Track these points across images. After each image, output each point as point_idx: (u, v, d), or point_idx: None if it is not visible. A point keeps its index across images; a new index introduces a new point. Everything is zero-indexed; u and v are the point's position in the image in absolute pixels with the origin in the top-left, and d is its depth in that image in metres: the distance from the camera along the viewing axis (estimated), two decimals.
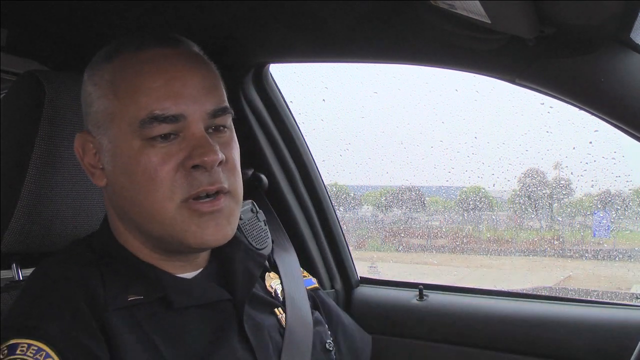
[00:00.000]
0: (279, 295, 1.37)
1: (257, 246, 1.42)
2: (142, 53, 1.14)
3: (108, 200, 1.21)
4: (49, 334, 1.02)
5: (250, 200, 1.54)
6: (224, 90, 1.20)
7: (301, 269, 1.52)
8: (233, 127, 1.22)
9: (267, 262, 1.41)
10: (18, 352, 1.00)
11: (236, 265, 1.26)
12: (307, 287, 1.47)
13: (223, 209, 1.13)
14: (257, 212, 1.51)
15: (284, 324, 1.31)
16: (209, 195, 1.12)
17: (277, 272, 1.42)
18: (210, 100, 1.14)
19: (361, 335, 1.56)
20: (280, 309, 1.33)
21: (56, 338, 1.02)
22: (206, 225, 1.12)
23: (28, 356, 0.99)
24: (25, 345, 1.00)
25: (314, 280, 1.54)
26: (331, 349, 1.39)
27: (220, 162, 1.12)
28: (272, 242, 1.50)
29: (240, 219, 1.43)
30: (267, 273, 1.39)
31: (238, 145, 1.21)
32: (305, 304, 1.39)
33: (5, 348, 1.01)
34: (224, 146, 1.15)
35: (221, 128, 1.16)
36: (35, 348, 1.00)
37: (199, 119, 1.12)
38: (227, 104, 1.18)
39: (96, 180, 1.18)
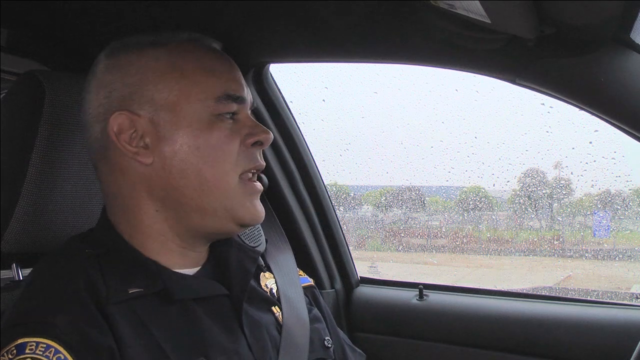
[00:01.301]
0: (274, 294, 1.37)
1: (250, 244, 1.43)
2: (195, 42, 1.26)
3: (140, 182, 1.19)
4: (57, 330, 1.02)
5: None
6: None
7: (297, 268, 1.53)
8: None
9: (261, 260, 1.42)
10: (27, 350, 1.00)
11: (231, 262, 1.27)
12: (303, 285, 1.47)
13: (260, 190, 1.27)
14: None
15: (281, 321, 1.32)
16: (255, 175, 1.25)
17: (272, 272, 1.43)
18: (247, 90, 1.27)
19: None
20: (277, 307, 1.34)
21: (64, 333, 1.02)
22: (256, 202, 1.24)
23: (38, 354, 1.00)
24: (34, 343, 1.00)
25: (310, 279, 1.54)
26: (330, 345, 1.39)
27: None
28: (266, 241, 1.51)
29: None
30: (262, 273, 1.39)
31: None
32: (301, 302, 1.40)
33: (13, 348, 1.01)
34: None
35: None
36: (44, 345, 1.00)
37: (248, 106, 1.26)
38: None
39: (141, 157, 1.18)
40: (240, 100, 1.23)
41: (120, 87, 1.20)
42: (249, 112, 1.26)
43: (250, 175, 1.23)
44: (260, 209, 1.24)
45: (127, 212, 1.21)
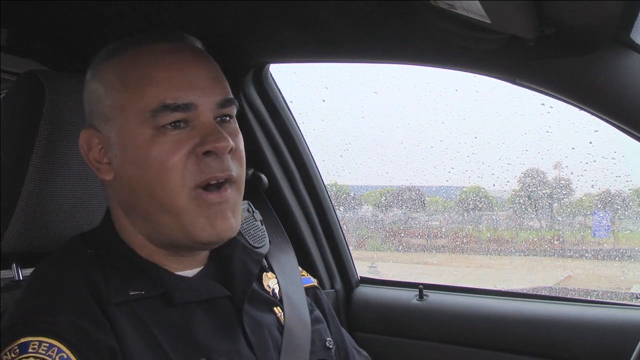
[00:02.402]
0: (277, 294, 1.37)
1: (255, 244, 1.42)
2: (151, 47, 1.17)
3: (113, 195, 1.21)
4: (59, 329, 1.02)
5: (246, 201, 1.54)
6: (227, 83, 1.23)
7: (300, 268, 1.53)
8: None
9: (264, 261, 1.42)
10: (30, 350, 1.00)
11: (234, 264, 1.27)
12: (305, 285, 1.47)
13: (228, 200, 1.15)
14: (253, 211, 1.52)
15: (283, 322, 1.32)
16: (217, 186, 1.14)
17: (274, 272, 1.43)
18: (218, 91, 1.17)
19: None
20: (279, 307, 1.34)
21: (67, 332, 1.02)
22: (215, 217, 1.13)
23: (40, 354, 1.00)
24: (37, 342, 1.00)
25: (313, 279, 1.54)
26: (331, 346, 1.39)
27: (230, 150, 1.14)
28: (270, 242, 1.50)
29: None
30: (264, 273, 1.39)
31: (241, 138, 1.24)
32: (303, 303, 1.40)
33: (16, 347, 1.00)
34: (232, 135, 1.17)
35: (228, 118, 1.19)
36: (47, 345, 1.00)
37: (208, 109, 1.15)
38: (231, 95, 1.21)
39: (103, 174, 1.19)
40: (184, 108, 1.12)
41: (88, 102, 1.21)
42: (211, 116, 1.15)
43: (208, 188, 1.13)
44: (223, 224, 1.14)
45: (115, 220, 1.22)
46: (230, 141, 1.13)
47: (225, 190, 1.14)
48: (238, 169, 1.17)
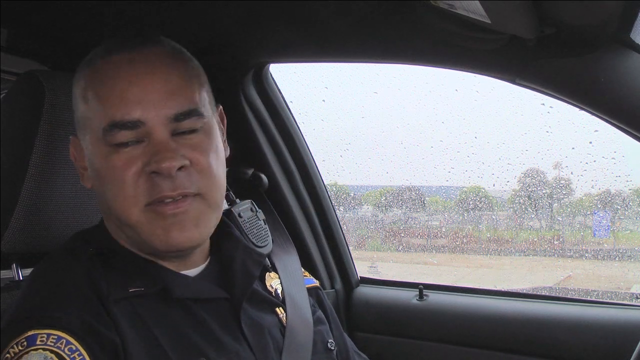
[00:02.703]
0: (279, 294, 1.37)
1: (258, 244, 1.42)
2: (110, 59, 1.15)
3: (98, 202, 1.24)
4: (67, 322, 1.03)
5: (249, 200, 1.55)
6: (196, 93, 1.17)
7: (302, 268, 1.53)
8: (215, 128, 1.21)
9: (267, 261, 1.42)
10: (38, 342, 1.00)
11: (236, 265, 1.26)
12: (308, 286, 1.47)
13: (188, 212, 1.13)
14: (256, 211, 1.52)
15: (285, 322, 1.31)
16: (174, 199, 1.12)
17: (277, 272, 1.42)
18: (172, 104, 1.13)
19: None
20: (281, 308, 1.34)
21: (74, 325, 1.03)
22: (171, 227, 1.12)
23: (49, 345, 1.00)
24: (45, 335, 1.01)
25: (315, 280, 1.54)
26: (333, 348, 1.39)
27: (183, 167, 1.11)
28: (272, 241, 1.50)
29: (240, 216, 1.45)
30: (267, 273, 1.39)
31: (218, 147, 1.20)
32: (306, 304, 1.40)
33: (24, 340, 1.00)
34: (193, 149, 1.14)
35: (189, 131, 1.15)
36: (55, 337, 1.01)
37: (159, 124, 1.12)
38: (195, 106, 1.15)
39: (84, 181, 1.22)
40: (132, 125, 1.10)
41: (73, 109, 1.22)
42: (164, 131, 1.11)
43: (164, 200, 1.11)
44: (179, 235, 1.12)
45: (106, 223, 1.24)
46: (178, 160, 1.10)
47: (183, 202, 1.12)
48: (200, 184, 1.14)
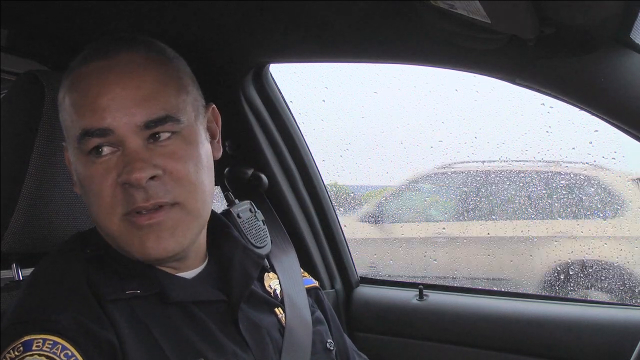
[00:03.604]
0: (278, 295, 1.37)
1: (257, 244, 1.42)
2: (84, 67, 1.14)
3: None
4: (62, 326, 1.02)
5: (248, 201, 1.54)
6: (172, 97, 1.14)
7: (300, 269, 1.52)
8: (197, 132, 1.17)
9: (266, 261, 1.42)
10: (34, 347, 1.00)
11: (234, 266, 1.26)
12: (307, 286, 1.47)
13: (163, 222, 1.11)
14: (255, 211, 1.52)
15: (284, 323, 1.31)
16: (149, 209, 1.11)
17: (276, 272, 1.42)
18: (142, 111, 1.10)
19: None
20: (280, 308, 1.34)
21: (69, 329, 1.02)
22: (147, 238, 1.11)
23: (45, 351, 0.99)
24: (41, 340, 1.00)
25: (314, 280, 1.54)
26: (332, 348, 1.39)
27: (156, 177, 1.09)
28: (271, 242, 1.50)
29: (239, 217, 1.44)
30: (265, 273, 1.39)
31: (201, 152, 1.16)
32: (305, 304, 1.40)
33: (20, 345, 1.00)
34: (167, 157, 1.11)
35: (161, 138, 1.12)
36: (51, 342, 1.00)
37: (129, 132, 1.09)
38: (169, 112, 1.12)
39: (75, 187, 1.21)
40: (100, 133, 1.08)
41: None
42: (135, 140, 1.09)
43: (138, 213, 1.09)
44: (155, 245, 1.10)
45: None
46: (149, 170, 1.08)
47: (158, 212, 1.10)
48: (177, 192, 1.11)
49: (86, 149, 1.10)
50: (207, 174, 1.18)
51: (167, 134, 1.12)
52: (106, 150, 1.10)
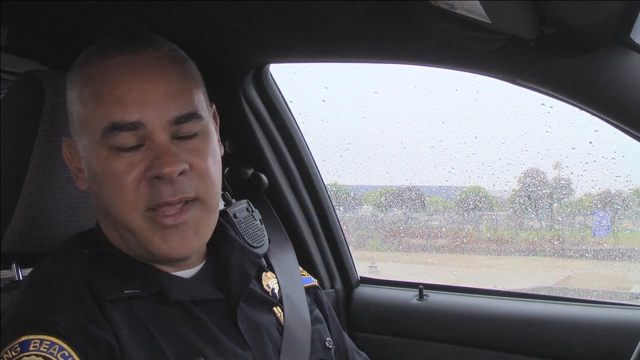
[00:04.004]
0: (276, 294, 1.37)
1: (254, 244, 1.42)
2: (108, 60, 1.14)
3: (94, 204, 1.23)
4: (60, 327, 1.02)
5: (245, 200, 1.54)
6: (195, 95, 1.17)
7: (300, 268, 1.52)
8: (212, 130, 1.20)
9: (264, 260, 1.42)
10: (31, 348, 1.00)
11: (232, 265, 1.26)
12: (305, 285, 1.47)
13: (188, 221, 1.13)
14: (252, 211, 1.52)
15: (282, 322, 1.31)
16: (172, 208, 1.11)
17: (274, 272, 1.43)
18: (173, 106, 1.12)
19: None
20: (278, 307, 1.34)
21: (67, 330, 1.02)
22: (170, 238, 1.12)
23: (42, 352, 1.00)
24: (38, 340, 1.01)
25: (313, 279, 1.54)
26: (331, 347, 1.39)
27: (183, 172, 1.11)
28: (269, 241, 1.50)
29: (236, 217, 1.45)
30: (264, 273, 1.39)
31: (215, 149, 1.19)
32: (303, 303, 1.40)
33: (17, 345, 1.00)
34: (192, 153, 1.13)
35: (189, 135, 1.14)
36: (48, 343, 1.00)
37: (160, 127, 1.11)
38: (195, 109, 1.15)
39: (79, 183, 1.20)
40: (131, 127, 1.09)
41: (67, 109, 1.21)
42: (164, 135, 1.10)
43: (160, 210, 1.10)
44: (177, 245, 1.12)
45: (101, 226, 1.23)
46: (180, 164, 1.10)
47: (184, 211, 1.12)
48: (199, 187, 1.13)
49: (112, 142, 1.10)
50: (219, 170, 1.21)
51: (191, 131, 1.14)
52: (133, 144, 1.10)
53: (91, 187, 1.18)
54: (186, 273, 1.23)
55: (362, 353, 1.53)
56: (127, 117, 1.09)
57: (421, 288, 2.09)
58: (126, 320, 1.10)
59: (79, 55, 1.21)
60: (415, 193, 3.00)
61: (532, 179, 2.65)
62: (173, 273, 1.20)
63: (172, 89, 1.13)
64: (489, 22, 1.14)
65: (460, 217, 3.01)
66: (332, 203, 2.22)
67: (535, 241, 2.90)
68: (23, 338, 1.01)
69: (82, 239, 1.23)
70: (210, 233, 1.20)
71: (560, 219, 2.81)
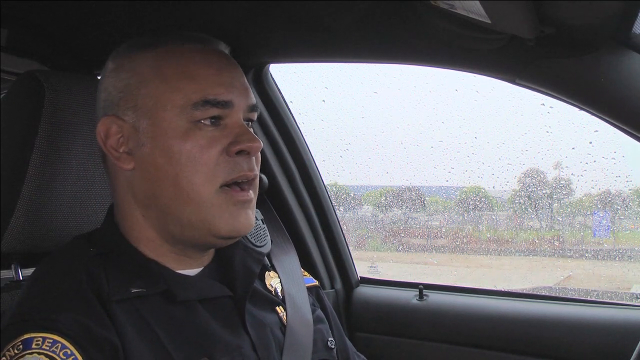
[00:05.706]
0: (279, 294, 1.37)
1: (256, 244, 1.43)
2: (189, 45, 1.20)
3: (128, 187, 1.20)
4: (63, 325, 1.02)
5: None
6: None
7: (301, 268, 1.53)
8: None
9: (267, 260, 1.42)
10: (34, 346, 1.00)
11: (236, 263, 1.27)
12: (307, 285, 1.48)
13: (251, 200, 1.20)
14: None
15: (285, 321, 1.32)
16: (240, 185, 1.17)
17: (277, 271, 1.43)
18: (249, 95, 1.22)
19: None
20: (281, 307, 1.34)
21: (70, 329, 1.02)
22: (238, 214, 1.17)
23: (44, 349, 0.99)
24: (40, 338, 1.00)
25: (314, 279, 1.54)
26: (333, 346, 1.39)
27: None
28: (271, 241, 1.50)
29: None
30: (266, 272, 1.39)
31: None
32: (306, 303, 1.40)
33: (19, 343, 1.00)
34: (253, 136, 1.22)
35: (250, 123, 1.24)
36: (51, 341, 1.00)
37: (241, 110, 1.19)
38: (255, 102, 1.25)
39: (122, 163, 1.19)
40: (223, 105, 1.16)
41: (113, 91, 1.20)
42: (242, 117, 1.19)
43: (235, 185, 1.17)
44: (245, 221, 1.18)
45: (123, 215, 1.22)
46: (260, 142, 1.19)
47: (249, 190, 1.19)
48: (257, 168, 1.22)
49: (198, 117, 1.14)
50: None
51: (253, 119, 1.24)
52: (216, 120, 1.16)
53: (147, 166, 1.17)
54: (192, 272, 1.23)
55: (362, 356, 1.53)
56: (221, 96, 1.16)
57: (421, 288, 2.09)
58: (130, 319, 1.09)
59: (79, 55, 1.21)
60: (415, 193, 3.00)
61: (532, 179, 2.65)
62: (178, 271, 1.20)
63: (245, 80, 1.23)
64: (489, 22, 1.14)
65: (460, 217, 3.01)
66: (332, 203, 2.22)
67: (535, 241, 2.90)
68: (25, 336, 1.01)
69: (87, 238, 1.23)
70: None
71: (560, 219, 2.81)
